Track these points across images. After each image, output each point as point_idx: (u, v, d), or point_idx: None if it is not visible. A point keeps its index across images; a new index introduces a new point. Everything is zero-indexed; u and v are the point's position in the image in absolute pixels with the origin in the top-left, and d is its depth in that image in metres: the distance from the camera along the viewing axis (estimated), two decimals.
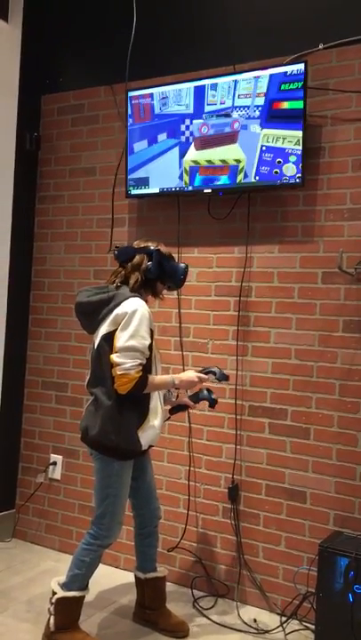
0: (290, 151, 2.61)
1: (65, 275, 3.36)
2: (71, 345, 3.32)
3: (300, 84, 2.58)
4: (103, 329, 2.28)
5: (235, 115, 2.73)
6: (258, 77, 2.67)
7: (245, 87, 2.70)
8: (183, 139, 2.87)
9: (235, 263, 2.87)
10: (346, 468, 2.58)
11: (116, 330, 2.24)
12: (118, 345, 2.21)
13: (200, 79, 2.82)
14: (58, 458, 3.32)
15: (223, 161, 2.76)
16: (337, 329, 2.63)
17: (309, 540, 2.63)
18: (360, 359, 2.58)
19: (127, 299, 2.26)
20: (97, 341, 2.32)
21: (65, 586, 2.34)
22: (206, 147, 2.81)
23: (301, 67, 2.57)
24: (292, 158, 2.60)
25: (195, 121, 2.84)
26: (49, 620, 2.35)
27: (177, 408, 2.49)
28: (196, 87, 2.81)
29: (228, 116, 2.75)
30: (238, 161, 2.72)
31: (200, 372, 2.45)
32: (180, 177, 2.88)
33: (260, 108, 2.68)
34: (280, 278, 2.77)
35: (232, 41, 2.87)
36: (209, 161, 2.78)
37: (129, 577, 2.76)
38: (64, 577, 2.36)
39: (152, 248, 2.35)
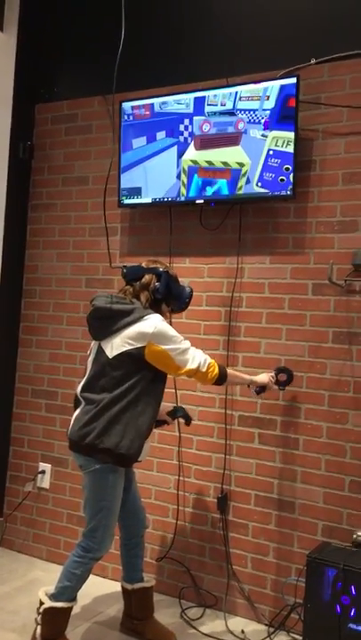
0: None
1: (56, 283, 3.37)
2: (62, 353, 3.31)
3: None
4: (120, 341, 2.26)
5: (239, 115, 2.66)
6: (265, 88, 2.65)
7: (249, 91, 2.65)
8: (182, 139, 2.81)
9: (226, 273, 2.89)
10: (334, 479, 2.60)
11: (143, 346, 2.23)
12: (177, 358, 2.26)
13: (196, 90, 2.84)
14: (47, 466, 3.30)
15: (225, 163, 2.66)
16: (327, 340, 2.65)
17: (298, 550, 2.64)
18: (349, 370, 2.59)
19: (149, 315, 2.27)
20: (109, 352, 2.28)
21: (53, 597, 2.32)
22: (207, 147, 2.71)
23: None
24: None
25: (195, 118, 2.75)
26: (35, 629, 2.33)
27: (157, 422, 2.49)
28: (194, 97, 2.82)
29: (232, 114, 2.65)
30: (242, 164, 2.63)
31: (169, 412, 2.53)
32: (178, 176, 2.81)
33: (268, 111, 2.60)
34: (271, 289, 2.79)
35: (225, 54, 2.91)
36: (209, 162, 2.68)
37: (116, 587, 2.74)
38: (52, 587, 2.34)
39: (161, 269, 2.37)
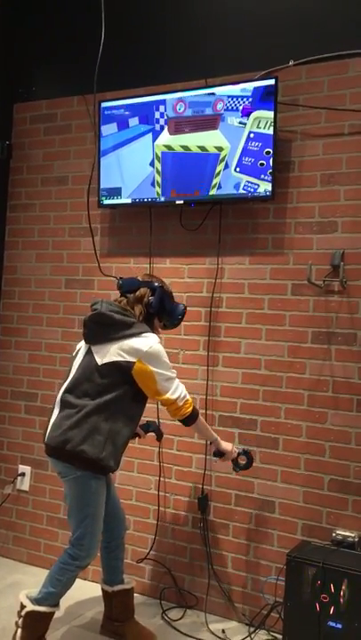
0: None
1: (36, 284, 3.34)
2: (41, 354, 3.29)
3: None
4: (115, 351, 2.25)
5: (218, 94, 2.57)
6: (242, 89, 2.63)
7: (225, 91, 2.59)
8: (158, 127, 2.72)
9: (206, 274, 2.90)
10: (314, 478, 2.61)
11: (134, 362, 2.23)
12: (163, 384, 2.26)
13: (175, 91, 2.83)
14: (26, 469, 3.28)
15: (202, 148, 2.52)
16: (306, 340, 2.67)
17: (278, 549, 2.65)
18: (328, 370, 2.61)
19: (146, 333, 2.29)
20: (100, 359, 2.26)
21: (36, 601, 2.30)
22: (182, 130, 2.55)
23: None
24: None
25: (169, 96, 2.63)
26: (16, 632, 2.31)
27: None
28: (170, 99, 2.82)
29: (211, 94, 2.55)
30: (220, 149, 2.49)
31: (142, 425, 2.53)
32: (152, 164, 2.72)
33: (250, 92, 2.53)
34: (250, 289, 2.80)
35: (204, 55, 2.91)
36: (185, 147, 2.52)
37: (97, 589, 2.73)
38: (35, 591, 2.32)
39: (156, 284, 2.38)
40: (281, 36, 2.76)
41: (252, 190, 2.61)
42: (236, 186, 2.66)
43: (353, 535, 2.47)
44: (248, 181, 2.51)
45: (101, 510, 2.32)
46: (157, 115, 2.75)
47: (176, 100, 2.64)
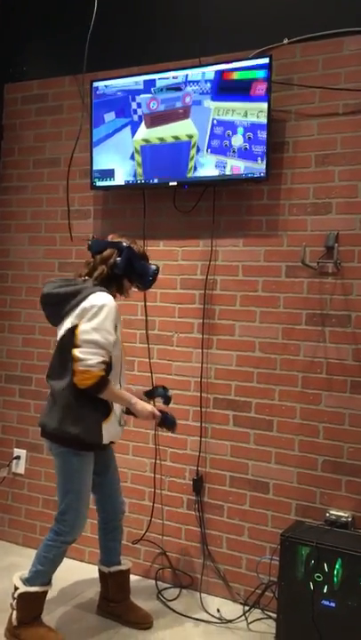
0: (238, 123, 2.63)
1: (29, 267, 3.32)
2: (35, 338, 3.28)
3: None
4: (68, 322, 2.25)
5: (188, 89, 2.72)
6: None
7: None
8: (136, 117, 2.84)
9: (200, 256, 2.88)
10: (308, 459, 2.63)
11: (77, 323, 2.21)
12: (81, 338, 2.18)
13: (168, 70, 2.80)
14: (21, 452, 3.28)
15: (175, 137, 2.74)
16: (300, 322, 2.66)
17: (272, 530, 2.67)
18: (322, 352, 2.62)
19: (94, 292, 2.23)
20: (60, 333, 2.29)
21: (27, 581, 2.32)
22: (157, 123, 2.76)
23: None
24: (240, 130, 2.63)
25: (142, 96, 2.80)
26: (11, 614, 2.33)
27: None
28: (160, 78, 2.80)
29: (178, 89, 2.73)
30: (191, 136, 2.72)
31: (147, 392, 2.48)
32: (132, 157, 2.84)
33: (210, 82, 2.69)
34: (244, 272, 2.79)
35: (197, 34, 2.86)
36: (161, 138, 2.75)
37: (93, 570, 2.75)
38: (27, 572, 2.34)
39: (124, 244, 2.32)
40: (275, 14, 2.72)
41: (221, 167, 2.69)
42: (215, 148, 2.69)
43: (346, 515, 2.49)
44: (219, 160, 2.70)
45: (84, 488, 2.31)
46: (134, 105, 2.85)
47: (149, 99, 2.82)
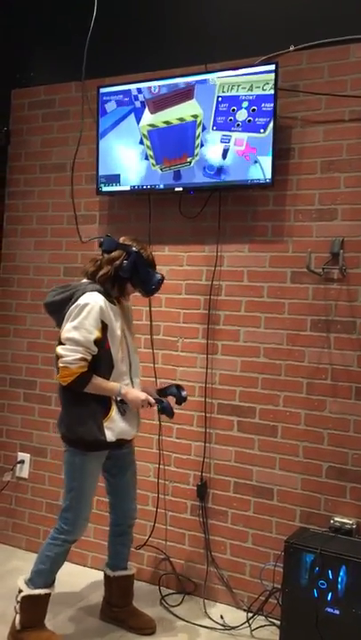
0: (243, 97, 2.66)
1: (35, 271, 3.33)
2: (40, 342, 3.28)
3: None
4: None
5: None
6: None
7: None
8: (138, 104, 2.88)
9: (205, 262, 2.89)
10: (312, 465, 2.62)
11: None
12: (63, 336, 2.23)
13: (174, 77, 2.81)
14: (25, 456, 3.29)
15: (180, 119, 2.78)
16: (305, 328, 2.66)
17: (276, 536, 2.66)
18: (327, 358, 2.61)
19: (85, 292, 2.26)
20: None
21: (30, 582, 2.33)
22: (161, 107, 2.82)
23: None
24: (245, 104, 2.66)
25: (143, 84, 2.86)
26: (15, 618, 2.32)
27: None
28: (163, 85, 2.81)
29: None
30: (196, 116, 2.75)
31: (161, 389, 2.45)
32: (141, 142, 2.88)
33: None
34: (250, 277, 2.79)
35: (204, 40, 2.88)
36: (166, 122, 2.80)
37: (96, 575, 2.75)
38: (29, 572, 2.35)
39: (133, 248, 2.32)
40: (282, 21, 2.73)
41: (226, 141, 2.71)
42: (220, 124, 2.72)
43: (351, 522, 2.48)
44: (223, 135, 2.73)
45: (87, 488, 2.32)
46: (135, 91, 2.90)
47: (150, 84, 2.87)
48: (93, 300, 2.23)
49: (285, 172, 2.70)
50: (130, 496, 2.52)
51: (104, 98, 2.97)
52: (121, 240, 2.38)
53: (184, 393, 2.43)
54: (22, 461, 3.29)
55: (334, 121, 2.62)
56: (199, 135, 2.75)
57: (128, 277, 2.32)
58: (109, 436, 2.26)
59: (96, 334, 2.21)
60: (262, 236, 2.77)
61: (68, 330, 2.22)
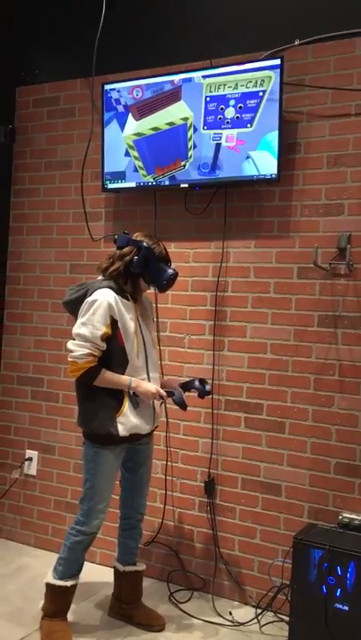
0: (230, 96, 2.68)
1: (41, 269, 3.33)
2: (47, 340, 3.29)
3: None
4: None
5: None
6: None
7: None
8: (121, 108, 2.85)
9: (211, 258, 2.88)
10: (320, 461, 2.61)
11: None
12: (73, 331, 2.27)
13: (180, 72, 2.80)
14: (33, 453, 3.30)
15: (170, 123, 2.76)
16: (312, 323, 2.65)
17: (284, 532, 2.66)
18: (334, 353, 2.60)
19: (95, 290, 2.28)
20: None
21: (54, 570, 2.38)
22: (147, 113, 2.77)
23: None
24: (232, 102, 2.68)
25: (121, 85, 2.84)
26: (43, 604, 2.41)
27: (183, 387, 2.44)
28: (165, 82, 2.80)
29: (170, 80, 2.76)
30: (186, 118, 2.75)
31: (184, 384, 2.43)
32: (127, 154, 2.85)
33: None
34: (256, 273, 2.78)
35: (209, 35, 2.86)
36: (154, 128, 2.76)
37: (105, 572, 2.76)
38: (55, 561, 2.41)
39: (144, 244, 2.32)
40: (287, 14, 2.72)
41: (218, 139, 2.71)
42: (210, 123, 2.72)
43: (359, 518, 2.47)
44: (215, 133, 2.74)
45: (101, 481, 2.33)
46: (115, 94, 2.88)
47: (131, 87, 2.82)
48: (102, 297, 2.24)
49: (291, 167, 2.68)
50: (142, 492, 2.54)
51: (109, 94, 2.96)
52: (134, 236, 2.37)
53: (208, 387, 2.42)
54: (30, 459, 3.30)
55: (340, 115, 2.61)
56: (191, 137, 2.76)
57: (140, 273, 2.32)
58: (122, 430, 2.27)
59: (104, 330, 2.23)
60: (269, 232, 2.76)
61: (77, 326, 2.26)
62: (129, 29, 3.06)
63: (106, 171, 2.99)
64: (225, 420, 2.82)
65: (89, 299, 2.26)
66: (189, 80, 2.74)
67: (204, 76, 2.72)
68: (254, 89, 2.63)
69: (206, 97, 2.72)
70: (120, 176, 2.96)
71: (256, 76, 2.62)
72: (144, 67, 3.00)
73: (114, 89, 2.93)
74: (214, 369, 2.84)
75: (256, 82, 2.61)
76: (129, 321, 2.30)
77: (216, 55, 2.81)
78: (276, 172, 2.61)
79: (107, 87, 2.96)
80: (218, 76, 2.69)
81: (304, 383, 2.66)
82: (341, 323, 2.59)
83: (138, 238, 2.36)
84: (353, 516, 2.48)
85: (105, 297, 2.24)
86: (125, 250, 2.33)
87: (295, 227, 2.70)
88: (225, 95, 2.69)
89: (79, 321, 2.26)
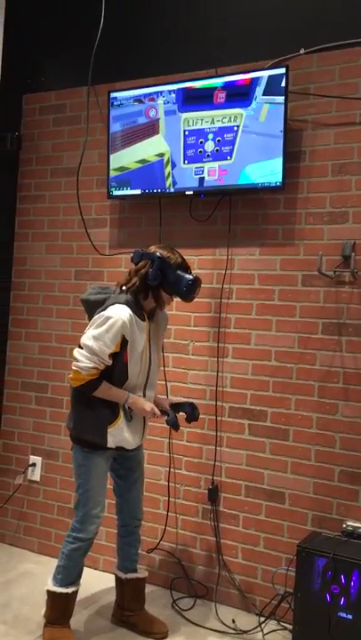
0: (208, 130, 2.73)
1: (46, 275, 3.35)
2: (51, 346, 3.30)
3: None
4: None
5: (158, 101, 2.81)
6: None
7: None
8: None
9: (216, 265, 2.89)
10: (324, 469, 2.61)
11: None
12: (83, 341, 2.25)
13: (184, 81, 2.82)
14: (37, 459, 3.30)
15: (142, 161, 2.82)
16: (316, 331, 2.65)
17: (288, 540, 2.65)
18: (339, 361, 2.60)
19: (113, 304, 2.26)
20: None
21: (53, 577, 2.37)
22: (129, 144, 2.86)
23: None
24: (210, 136, 2.73)
25: (126, 93, 2.89)
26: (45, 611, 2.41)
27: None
28: (178, 89, 2.82)
29: (140, 102, 2.79)
30: (162, 155, 2.78)
31: (175, 404, 2.45)
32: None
33: (174, 92, 2.81)
34: (261, 280, 2.79)
35: (214, 45, 2.88)
36: (120, 168, 2.87)
37: (108, 578, 2.75)
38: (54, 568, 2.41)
39: (157, 254, 2.30)
40: (292, 23, 2.73)
41: (200, 173, 2.77)
42: (191, 157, 2.79)
43: None
44: (196, 167, 2.80)
45: (92, 485, 2.33)
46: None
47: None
48: (117, 315, 2.22)
49: (296, 175, 2.69)
50: (136, 497, 2.54)
51: (114, 102, 2.98)
52: (148, 249, 2.37)
53: (197, 413, 2.42)
54: (34, 464, 3.30)
55: (345, 124, 2.62)
56: (169, 174, 2.81)
57: (159, 284, 2.30)
58: (110, 441, 2.29)
59: (113, 349, 2.23)
60: (273, 240, 2.76)
61: (88, 337, 2.23)
62: (134, 37, 3.08)
63: (111, 177, 3.00)
64: (229, 427, 2.82)
65: (105, 313, 2.23)
66: (172, 112, 2.79)
67: (181, 110, 2.78)
68: (230, 124, 2.68)
69: (185, 130, 2.77)
70: (125, 183, 2.98)
71: (227, 113, 2.69)
72: (150, 75, 3.01)
73: (118, 97, 2.95)
74: (218, 376, 2.84)
75: (230, 118, 2.68)
76: (139, 341, 2.29)
77: (222, 64, 2.82)
78: (280, 180, 2.62)
79: (113, 95, 2.98)
80: (195, 111, 2.75)
81: (308, 391, 2.66)
82: (346, 330, 2.60)
83: (151, 250, 2.35)
84: (357, 525, 2.48)
85: (121, 315, 2.22)
86: (140, 264, 2.32)
87: (300, 234, 2.70)
88: (203, 129, 2.74)
89: (91, 332, 2.23)
